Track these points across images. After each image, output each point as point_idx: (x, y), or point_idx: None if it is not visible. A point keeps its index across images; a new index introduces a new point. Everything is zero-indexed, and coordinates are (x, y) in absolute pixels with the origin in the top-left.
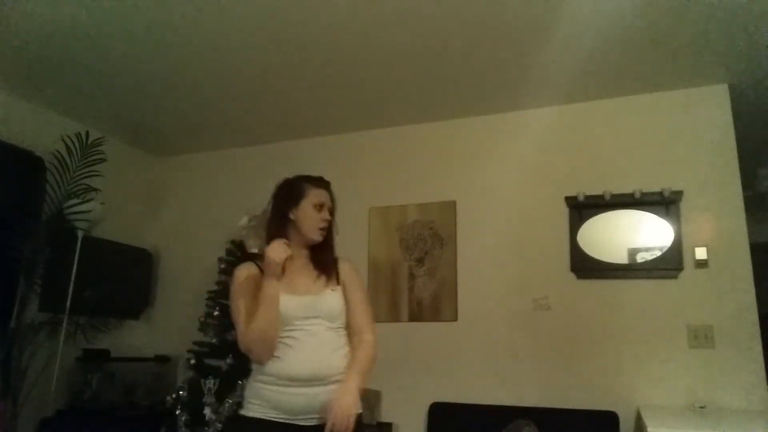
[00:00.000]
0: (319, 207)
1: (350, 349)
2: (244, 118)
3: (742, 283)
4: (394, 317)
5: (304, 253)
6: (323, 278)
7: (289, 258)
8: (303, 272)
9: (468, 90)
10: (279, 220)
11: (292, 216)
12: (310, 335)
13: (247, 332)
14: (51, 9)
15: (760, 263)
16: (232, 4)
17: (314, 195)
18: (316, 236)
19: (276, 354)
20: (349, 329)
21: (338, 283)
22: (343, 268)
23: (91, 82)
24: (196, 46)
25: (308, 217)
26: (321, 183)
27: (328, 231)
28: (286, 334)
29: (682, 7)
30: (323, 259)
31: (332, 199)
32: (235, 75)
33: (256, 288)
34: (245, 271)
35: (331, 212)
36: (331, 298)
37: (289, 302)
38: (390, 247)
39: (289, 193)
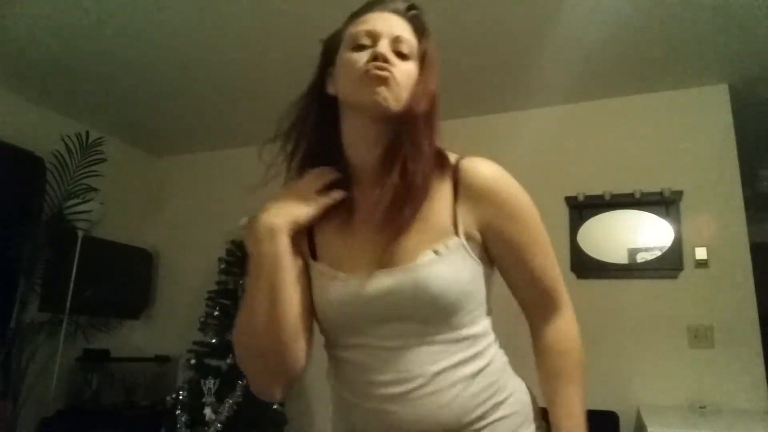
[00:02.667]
0: (361, 44)
1: (495, 364)
2: (243, 119)
3: (742, 283)
4: None
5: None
6: (418, 224)
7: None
8: (369, 219)
9: (468, 90)
10: (307, 114)
11: (330, 89)
12: (385, 354)
13: (234, 332)
14: (51, 10)
15: (760, 263)
16: (232, 5)
17: (353, 28)
18: (366, 96)
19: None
20: (524, 306)
21: (456, 231)
22: (471, 181)
23: (90, 82)
24: (196, 46)
25: (344, 67)
26: (370, 5)
27: (416, 96)
28: (335, 352)
29: (682, 7)
30: (410, 168)
31: (416, 28)
32: (235, 75)
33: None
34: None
35: (404, 54)
36: (436, 273)
37: (333, 291)
38: None
39: (322, 56)
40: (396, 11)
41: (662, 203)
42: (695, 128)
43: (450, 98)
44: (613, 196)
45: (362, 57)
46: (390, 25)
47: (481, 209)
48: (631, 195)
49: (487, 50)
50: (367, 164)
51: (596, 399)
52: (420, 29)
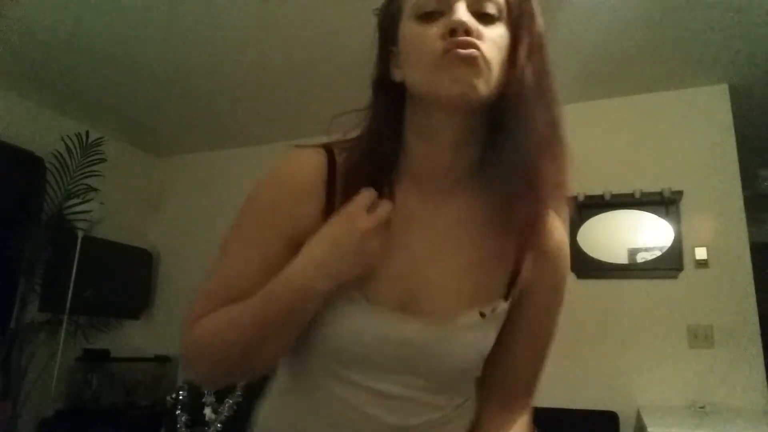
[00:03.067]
0: (429, 12)
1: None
2: (243, 118)
3: (742, 283)
4: None
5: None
6: (472, 262)
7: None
8: (415, 238)
9: None
10: (375, 117)
11: (397, 74)
12: (384, 401)
13: (195, 331)
14: (51, 10)
15: (760, 263)
16: (232, 4)
17: None
18: (444, 86)
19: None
20: (489, 385)
21: (507, 294)
22: (547, 235)
23: (90, 82)
24: (195, 46)
25: (410, 46)
26: None
27: (511, 83)
28: (332, 386)
29: (682, 8)
30: (507, 183)
31: None
32: (235, 75)
33: (284, 237)
34: (288, 183)
35: (491, 16)
36: (475, 344)
37: (352, 319)
38: None
39: (380, 34)
40: None
41: (662, 203)
42: (695, 128)
43: None
44: (613, 196)
45: (433, 31)
46: None
47: (540, 272)
48: (631, 195)
49: None
50: (436, 169)
51: (596, 399)
52: None
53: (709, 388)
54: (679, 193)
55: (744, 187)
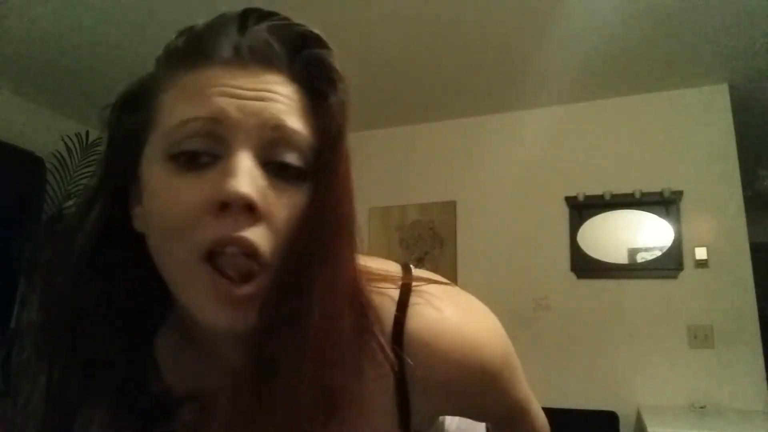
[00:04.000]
0: (192, 152)
1: None
2: None
3: (742, 283)
4: None
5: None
6: None
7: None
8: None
9: (468, 90)
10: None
11: (139, 225)
12: None
13: None
14: (51, 11)
15: (760, 263)
16: (231, 4)
17: (176, 107)
18: (210, 314)
19: None
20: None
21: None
22: (426, 373)
23: (91, 82)
24: None
25: (162, 207)
26: (207, 40)
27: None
28: None
29: (682, 7)
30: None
31: (316, 77)
32: None
33: None
34: None
35: (292, 168)
36: None
37: None
38: (390, 248)
39: (115, 146)
40: (265, 54)
41: (662, 203)
42: (695, 128)
43: (450, 98)
44: (613, 196)
45: (195, 192)
46: (258, 95)
47: (446, 403)
48: (631, 195)
49: (487, 50)
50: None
51: (596, 399)
52: (324, 78)
53: (709, 388)
54: (679, 193)
55: (744, 187)
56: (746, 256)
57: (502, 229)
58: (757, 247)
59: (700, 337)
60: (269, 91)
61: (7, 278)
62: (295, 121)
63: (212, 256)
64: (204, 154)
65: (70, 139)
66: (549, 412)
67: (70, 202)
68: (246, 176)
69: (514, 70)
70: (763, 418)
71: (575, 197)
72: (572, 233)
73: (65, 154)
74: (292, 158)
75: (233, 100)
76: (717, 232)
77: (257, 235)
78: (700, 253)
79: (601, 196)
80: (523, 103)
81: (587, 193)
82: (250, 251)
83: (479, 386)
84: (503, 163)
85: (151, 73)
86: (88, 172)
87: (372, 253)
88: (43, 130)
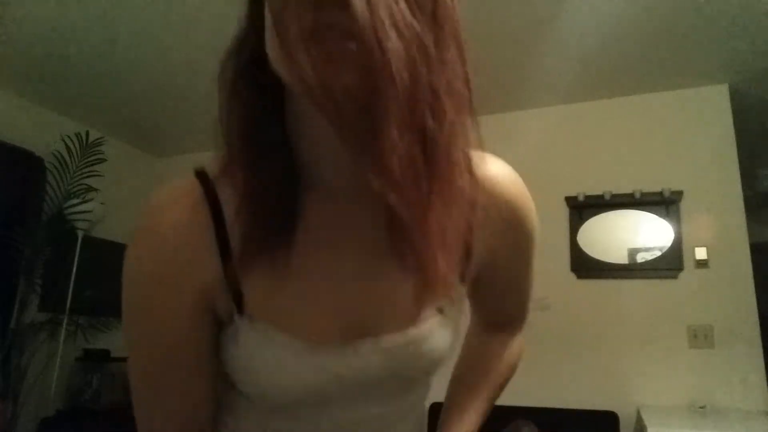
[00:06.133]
0: None
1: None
2: None
3: (742, 283)
4: None
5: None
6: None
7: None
8: (338, 254)
9: None
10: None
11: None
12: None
13: None
14: (51, 11)
15: (760, 263)
16: (231, 4)
17: None
18: (308, 79)
19: None
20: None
21: (463, 275)
22: (497, 202)
23: (90, 82)
24: (196, 45)
25: (271, 22)
26: None
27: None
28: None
29: (683, 7)
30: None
31: None
32: None
33: (191, 310)
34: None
35: None
36: (442, 343)
37: (290, 368)
38: None
39: None
40: None
41: (662, 203)
42: (695, 128)
43: None
44: (613, 196)
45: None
46: None
47: (498, 239)
48: (631, 195)
49: (487, 50)
50: (339, 170)
51: (596, 399)
52: None
53: (709, 388)
54: (679, 193)
55: (744, 187)
56: (746, 256)
57: None
58: (757, 247)
59: (700, 337)
60: None
61: (7, 278)
62: None
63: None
64: None
65: (70, 139)
66: (549, 412)
67: (70, 202)
68: None
69: (514, 70)
70: (763, 418)
71: (575, 197)
72: (572, 233)
73: (65, 154)
74: None
75: None
76: (717, 232)
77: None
78: (700, 253)
79: (601, 196)
80: (523, 103)
81: (587, 193)
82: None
83: (521, 232)
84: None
85: None
86: (87, 171)
87: None
88: (43, 130)
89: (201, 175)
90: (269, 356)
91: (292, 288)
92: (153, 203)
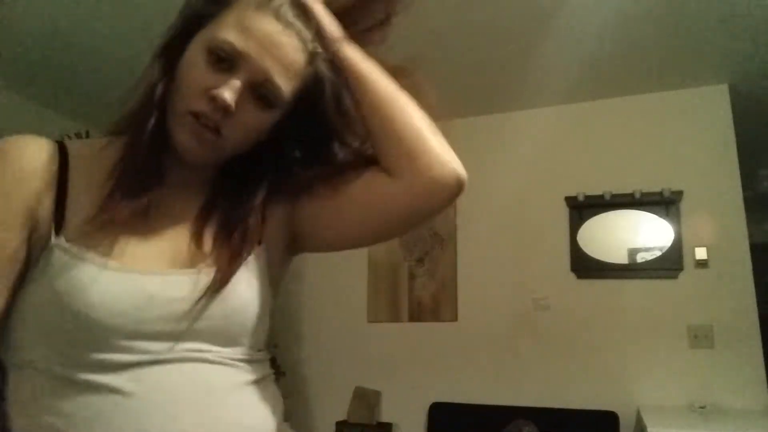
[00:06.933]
0: (218, 56)
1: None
2: None
3: (742, 283)
4: (394, 317)
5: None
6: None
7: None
8: (172, 208)
9: (468, 90)
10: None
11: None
12: (172, 385)
13: None
14: (52, 10)
15: (760, 263)
16: None
17: (225, 29)
18: (176, 134)
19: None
20: None
21: (261, 235)
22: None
23: (90, 82)
24: None
25: (183, 75)
26: None
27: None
28: (94, 378)
29: (683, 8)
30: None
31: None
32: None
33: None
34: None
35: (267, 100)
36: (241, 287)
37: (108, 290)
38: (389, 247)
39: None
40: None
41: (662, 203)
42: (695, 128)
43: (450, 98)
44: (613, 196)
45: (206, 78)
46: (272, 54)
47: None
48: (631, 195)
49: (487, 50)
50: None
51: (596, 399)
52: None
53: (709, 388)
54: (679, 193)
55: (744, 187)
56: (746, 256)
57: (502, 229)
58: (757, 247)
59: (700, 337)
60: (286, 54)
61: None
62: (284, 82)
63: (189, 112)
64: (225, 59)
65: (70, 138)
66: (549, 412)
67: None
68: (230, 93)
69: (514, 70)
70: (763, 418)
71: (575, 197)
72: (572, 233)
73: None
74: (269, 94)
75: (260, 48)
76: (717, 232)
77: (220, 122)
78: (700, 253)
79: (601, 196)
80: (523, 103)
81: (587, 193)
82: (222, 108)
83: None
84: (503, 163)
85: None
86: None
87: (372, 252)
88: (43, 130)
89: (58, 141)
90: (83, 275)
91: (133, 227)
92: (12, 138)
